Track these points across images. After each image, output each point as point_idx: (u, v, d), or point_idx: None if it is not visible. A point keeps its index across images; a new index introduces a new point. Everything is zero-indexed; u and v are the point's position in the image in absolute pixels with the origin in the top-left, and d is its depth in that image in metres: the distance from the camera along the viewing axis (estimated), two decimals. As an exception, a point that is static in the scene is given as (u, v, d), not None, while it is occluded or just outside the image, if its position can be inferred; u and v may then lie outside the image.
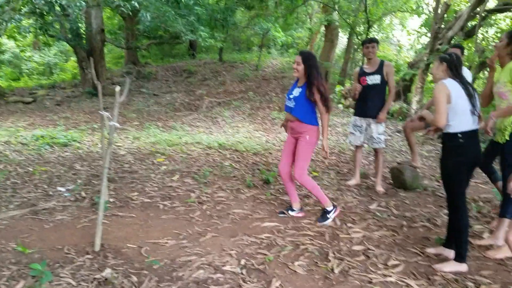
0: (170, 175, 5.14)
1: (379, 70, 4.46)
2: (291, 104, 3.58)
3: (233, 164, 5.80)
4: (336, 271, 2.68)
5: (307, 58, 3.50)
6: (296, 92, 3.56)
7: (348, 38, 14.92)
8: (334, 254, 2.94)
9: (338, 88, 11.67)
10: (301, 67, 3.49)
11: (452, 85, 2.68)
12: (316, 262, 2.81)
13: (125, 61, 19.67)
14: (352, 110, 9.89)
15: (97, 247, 2.88)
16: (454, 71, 2.75)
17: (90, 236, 3.12)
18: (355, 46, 14.53)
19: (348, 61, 14.25)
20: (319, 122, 3.62)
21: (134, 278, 2.52)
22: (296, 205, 3.83)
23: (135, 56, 19.36)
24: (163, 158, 6.08)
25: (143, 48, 16.31)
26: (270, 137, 8.24)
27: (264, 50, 19.08)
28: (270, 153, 6.65)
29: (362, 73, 4.57)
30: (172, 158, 6.13)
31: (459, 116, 2.67)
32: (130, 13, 9.70)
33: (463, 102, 2.68)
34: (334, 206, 3.67)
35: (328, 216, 3.61)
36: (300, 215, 3.81)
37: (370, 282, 2.56)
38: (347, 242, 3.17)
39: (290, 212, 3.80)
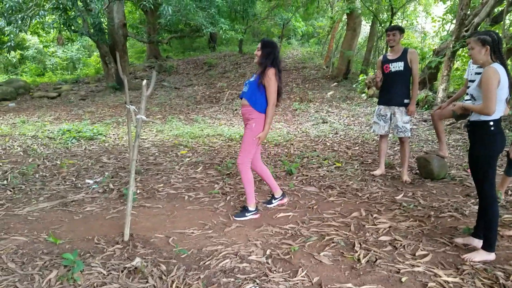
0: (194, 167, 5.21)
1: (403, 57, 4.39)
2: (245, 89, 3.52)
3: (255, 156, 5.81)
4: (363, 261, 2.67)
5: (265, 45, 3.42)
6: (252, 78, 3.52)
7: (371, 26, 14.63)
8: (360, 244, 2.92)
9: (361, 77, 11.50)
10: (259, 53, 3.42)
11: (501, 70, 2.54)
12: (342, 253, 2.81)
13: (147, 55, 19.92)
14: (375, 99, 9.77)
15: (126, 237, 2.96)
16: (498, 54, 2.59)
17: (119, 227, 3.21)
18: (379, 34, 14.25)
19: (371, 50, 13.99)
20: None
21: (163, 267, 2.58)
22: (277, 193, 3.82)
23: (156, 50, 19.58)
24: (186, 150, 6.16)
25: (165, 42, 16.45)
26: (291, 128, 8.21)
27: (284, 41, 18.95)
28: (292, 144, 6.64)
29: (386, 61, 4.50)
30: (195, 150, 6.20)
31: (498, 103, 2.56)
32: (152, 7, 9.77)
33: (505, 89, 2.57)
34: (257, 209, 3.60)
35: (246, 214, 3.53)
36: (283, 201, 3.81)
37: (397, 272, 2.54)
38: (373, 233, 3.14)
39: (273, 201, 3.81)
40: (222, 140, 6.96)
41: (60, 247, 2.86)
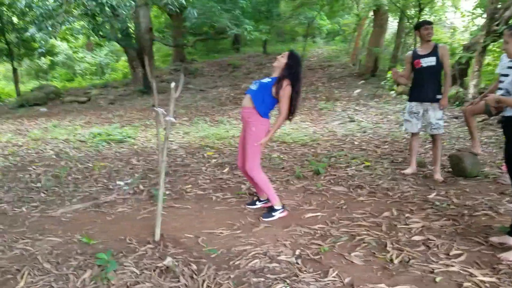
0: (221, 167, 5.24)
1: (434, 52, 4.29)
2: (253, 86, 3.45)
3: (281, 156, 5.80)
4: (396, 261, 2.61)
5: (292, 57, 3.37)
6: (266, 79, 3.44)
7: (398, 23, 14.34)
8: (392, 244, 2.86)
9: (389, 74, 11.29)
10: (283, 61, 3.37)
11: None
12: (374, 253, 2.75)
13: (173, 58, 20.24)
14: (405, 97, 9.56)
15: (157, 237, 3.00)
16: None
17: (149, 227, 3.26)
18: (406, 30, 13.95)
19: (399, 46, 13.71)
20: (271, 121, 3.49)
21: (194, 266, 2.60)
22: (263, 196, 3.77)
23: (182, 53, 19.86)
24: (212, 152, 6.20)
25: (190, 45, 16.68)
26: (317, 128, 8.14)
27: (309, 40, 18.84)
28: (318, 143, 6.58)
29: (416, 56, 4.40)
30: (221, 151, 6.24)
31: None
32: (177, 11, 9.92)
33: None
34: (283, 207, 3.55)
35: (273, 214, 3.49)
36: (268, 205, 3.72)
37: (431, 272, 2.48)
38: (405, 233, 3.07)
39: (257, 203, 3.77)
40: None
41: (93, 247, 2.93)
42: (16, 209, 3.77)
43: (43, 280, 2.44)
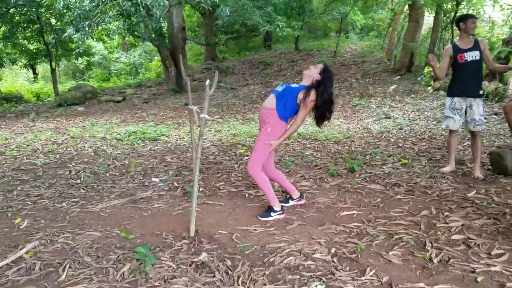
0: (254, 165, 5.23)
1: (477, 46, 4.15)
2: (279, 88, 3.40)
3: (314, 153, 5.74)
4: (435, 260, 2.52)
5: (326, 71, 3.32)
6: (294, 84, 3.39)
7: (434, 17, 13.86)
8: (431, 243, 2.76)
9: (426, 69, 10.95)
10: (315, 72, 3.32)
11: None
12: (413, 252, 2.67)
13: (205, 57, 20.46)
14: (442, 93, 9.23)
15: (192, 233, 3.03)
16: None
17: (184, 223, 3.31)
18: (443, 25, 13.47)
19: (435, 41, 13.26)
20: (287, 125, 3.40)
21: (229, 262, 2.61)
22: (295, 194, 3.71)
23: (213, 52, 20.05)
24: (244, 149, 6.21)
25: (221, 43, 16.81)
26: (351, 125, 8.00)
27: (342, 35, 18.55)
28: (352, 141, 6.46)
29: (459, 50, 4.23)
30: (252, 149, 6.23)
31: None
32: (210, 9, 10.01)
33: None
34: (282, 209, 3.47)
35: (271, 214, 3.42)
36: (301, 202, 3.71)
37: (472, 272, 2.38)
38: (445, 232, 2.96)
39: (290, 201, 3.71)
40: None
41: (131, 241, 3.00)
42: (57, 205, 3.90)
43: (83, 273, 2.52)
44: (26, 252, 2.79)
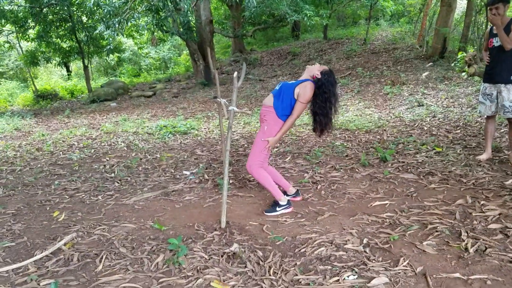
0: (282, 156, 5.23)
1: (507, 29, 3.89)
2: (277, 87, 3.33)
3: (344, 144, 5.66)
4: (471, 250, 2.45)
5: (327, 76, 3.22)
6: (291, 82, 3.31)
7: (468, 0, 13.29)
8: (467, 233, 2.68)
9: (460, 55, 10.53)
10: (316, 72, 3.23)
11: None
12: (448, 242, 2.60)
13: (232, 49, 20.51)
14: (477, 78, 8.87)
15: (223, 224, 3.07)
16: None
17: (215, 214, 3.35)
18: (477, 8, 12.89)
19: (469, 26, 12.69)
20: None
21: (260, 253, 2.63)
22: (290, 191, 3.63)
23: (241, 44, 20.05)
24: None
25: (249, 35, 16.77)
26: (382, 114, 7.83)
27: (372, 22, 18.10)
28: (384, 130, 6.32)
29: (491, 35, 4.06)
30: (282, 140, 6.22)
31: None
32: (237, 1, 9.98)
33: None
34: (289, 203, 3.39)
35: (277, 209, 3.35)
36: (297, 199, 3.63)
37: (511, 262, 2.29)
38: (481, 221, 2.86)
39: (286, 196, 3.61)
40: (308, 129, 6.88)
41: (164, 233, 3.07)
42: (92, 198, 4.05)
43: (119, 264, 2.60)
44: (65, 244, 2.91)
